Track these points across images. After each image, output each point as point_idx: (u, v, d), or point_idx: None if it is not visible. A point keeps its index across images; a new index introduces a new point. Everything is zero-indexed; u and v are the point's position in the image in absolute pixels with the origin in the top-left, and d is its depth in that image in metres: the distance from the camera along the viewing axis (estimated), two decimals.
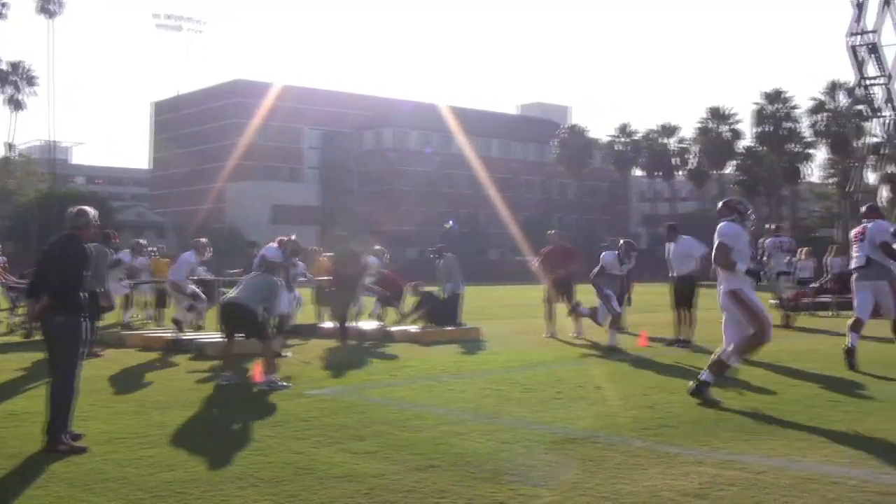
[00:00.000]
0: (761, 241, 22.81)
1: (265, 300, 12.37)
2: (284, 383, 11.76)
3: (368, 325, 19.93)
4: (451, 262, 20.62)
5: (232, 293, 12.82)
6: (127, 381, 12.51)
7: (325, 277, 19.90)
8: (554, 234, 20.68)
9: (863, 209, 14.38)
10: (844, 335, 13.31)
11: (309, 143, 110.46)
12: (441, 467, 7.23)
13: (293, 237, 17.43)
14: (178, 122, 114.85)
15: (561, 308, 19.60)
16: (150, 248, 23.77)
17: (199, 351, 15.75)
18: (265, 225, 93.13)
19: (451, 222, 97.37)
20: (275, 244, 17.60)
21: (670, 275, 17.71)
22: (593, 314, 17.46)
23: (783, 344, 15.65)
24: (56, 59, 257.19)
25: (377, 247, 21.23)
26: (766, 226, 25.61)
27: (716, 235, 10.34)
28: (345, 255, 18.99)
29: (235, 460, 7.51)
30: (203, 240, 18.55)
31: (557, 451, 7.76)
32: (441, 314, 20.05)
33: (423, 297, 20.71)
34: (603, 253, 17.73)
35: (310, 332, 19.39)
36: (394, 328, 19.35)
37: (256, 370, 12.22)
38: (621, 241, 17.95)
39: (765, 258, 22.35)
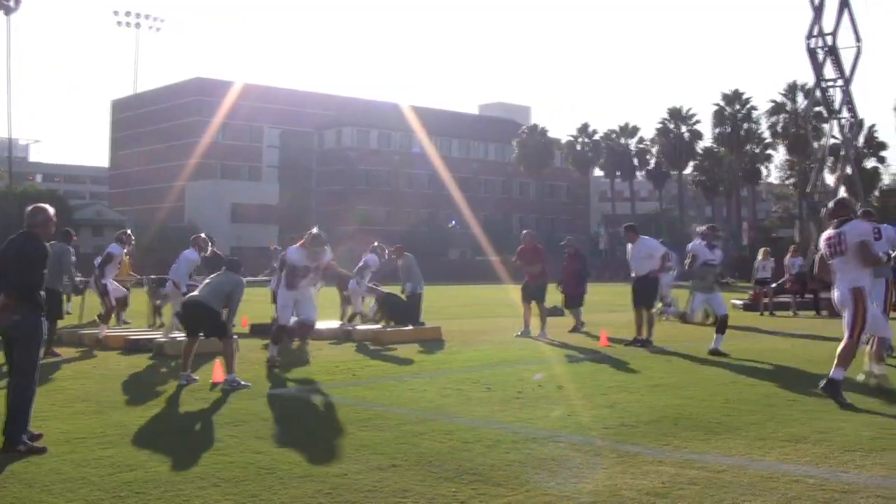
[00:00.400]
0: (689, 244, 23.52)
1: (227, 299, 12.30)
2: (245, 382, 11.72)
3: (328, 324, 19.85)
4: (410, 262, 20.61)
5: (195, 292, 12.76)
6: (86, 381, 12.40)
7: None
8: (527, 233, 20.65)
9: (861, 212, 14.71)
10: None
11: (269, 142, 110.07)
12: (403, 467, 7.23)
13: (314, 231, 14.76)
14: (137, 120, 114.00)
15: (534, 307, 19.57)
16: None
17: (158, 350, 15.64)
18: (225, 224, 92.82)
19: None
20: (296, 245, 14.86)
21: (631, 275, 17.78)
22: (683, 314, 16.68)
23: (742, 343, 15.79)
24: (13, 55, 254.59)
25: (376, 243, 20.87)
26: (696, 228, 25.98)
27: (850, 235, 10.35)
28: None
29: (196, 460, 7.47)
30: (202, 235, 17.99)
31: (519, 451, 7.77)
32: (402, 314, 20.04)
33: (382, 298, 20.68)
34: (689, 246, 16.77)
35: (269, 332, 19.27)
36: (354, 328, 19.28)
37: (217, 369, 12.15)
38: (704, 227, 17.25)
39: (687, 260, 23.07)
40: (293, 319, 14.68)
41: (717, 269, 17.27)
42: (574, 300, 21.14)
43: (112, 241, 18.84)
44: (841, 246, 10.37)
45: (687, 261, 16.79)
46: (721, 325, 15.68)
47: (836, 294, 10.61)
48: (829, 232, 10.70)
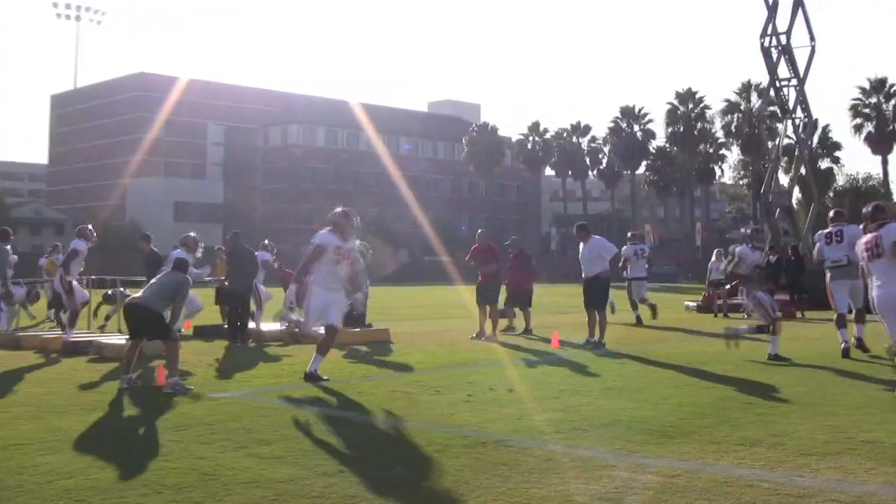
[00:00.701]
0: (624, 248, 23.90)
1: (171, 300, 12.06)
2: (188, 386, 11.52)
3: (272, 326, 19.58)
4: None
5: (138, 293, 12.52)
6: (23, 385, 12.18)
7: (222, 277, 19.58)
8: (482, 233, 20.52)
9: (831, 214, 15.39)
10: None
11: (213, 139, 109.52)
12: (350, 472, 7.10)
13: (339, 210, 12.97)
14: (78, 115, 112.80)
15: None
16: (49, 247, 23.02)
17: (98, 352, 15.38)
18: (168, 222, 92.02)
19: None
20: (325, 230, 12.84)
21: (583, 276, 17.72)
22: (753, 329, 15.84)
23: (695, 346, 15.80)
24: None
25: (357, 241, 20.40)
26: (629, 233, 26.19)
27: (886, 237, 10.69)
28: (239, 253, 18.68)
29: (138, 466, 7.26)
30: (192, 234, 17.31)
31: (469, 455, 7.63)
32: (348, 315, 19.76)
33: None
34: (738, 249, 15.54)
35: (214, 333, 19.08)
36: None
37: (160, 373, 11.92)
38: (747, 230, 16.62)
39: (620, 264, 23.53)
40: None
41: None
42: (519, 299, 20.99)
43: (55, 239, 18.54)
44: (878, 249, 10.76)
45: (730, 261, 15.84)
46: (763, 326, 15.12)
47: (876, 293, 10.92)
48: (867, 237, 11.06)
